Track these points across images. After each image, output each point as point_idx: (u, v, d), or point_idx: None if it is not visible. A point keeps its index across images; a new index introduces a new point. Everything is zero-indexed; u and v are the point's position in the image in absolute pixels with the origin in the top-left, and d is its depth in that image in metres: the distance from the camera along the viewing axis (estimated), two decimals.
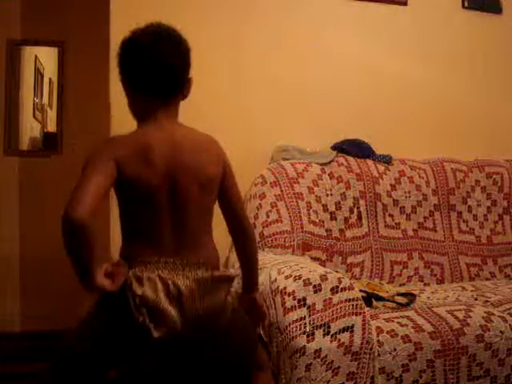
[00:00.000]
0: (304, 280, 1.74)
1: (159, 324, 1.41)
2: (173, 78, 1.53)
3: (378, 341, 1.79)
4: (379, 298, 2.11)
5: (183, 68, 1.55)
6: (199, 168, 1.52)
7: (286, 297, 1.73)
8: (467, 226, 2.77)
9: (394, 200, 2.64)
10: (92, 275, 1.37)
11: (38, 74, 3.48)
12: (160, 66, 1.49)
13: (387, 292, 2.21)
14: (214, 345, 1.50)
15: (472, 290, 2.38)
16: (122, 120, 2.49)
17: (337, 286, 1.75)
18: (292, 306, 1.71)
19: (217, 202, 1.63)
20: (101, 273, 1.40)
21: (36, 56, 3.46)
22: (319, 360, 1.68)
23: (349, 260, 2.48)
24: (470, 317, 1.93)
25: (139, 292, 1.40)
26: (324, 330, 1.70)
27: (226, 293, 1.53)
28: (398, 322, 1.87)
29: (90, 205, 1.34)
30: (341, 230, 2.50)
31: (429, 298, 2.26)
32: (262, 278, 1.88)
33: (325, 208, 2.49)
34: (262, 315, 1.73)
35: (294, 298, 1.72)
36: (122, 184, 1.46)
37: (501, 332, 1.90)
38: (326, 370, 1.68)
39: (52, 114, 3.48)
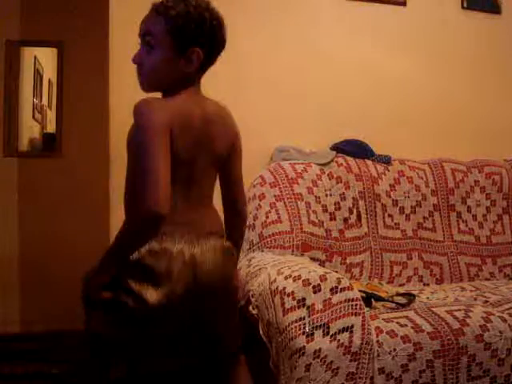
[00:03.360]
0: (303, 280, 1.74)
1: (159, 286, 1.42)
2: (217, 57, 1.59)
3: (378, 341, 1.79)
4: (379, 299, 2.11)
5: None
6: (215, 143, 1.56)
7: (285, 297, 1.73)
8: (466, 226, 2.77)
9: (393, 200, 2.64)
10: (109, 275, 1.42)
11: (38, 75, 3.48)
12: (225, 38, 1.57)
13: (387, 292, 2.21)
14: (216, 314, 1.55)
15: (471, 290, 2.38)
16: (122, 120, 2.49)
17: (336, 287, 1.75)
18: (291, 307, 1.71)
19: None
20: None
21: (35, 57, 3.46)
22: (319, 360, 1.68)
23: (348, 260, 2.48)
24: (469, 317, 1.93)
25: (149, 262, 1.41)
26: (323, 331, 1.70)
27: (234, 263, 1.63)
28: (397, 323, 1.87)
29: (168, 194, 1.33)
30: (340, 231, 2.50)
31: (428, 298, 2.26)
32: (261, 279, 1.88)
33: (324, 208, 2.49)
34: (242, 289, 1.80)
35: (294, 299, 1.72)
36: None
37: (500, 332, 1.90)
38: (326, 371, 1.68)
39: (51, 115, 3.47)
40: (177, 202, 1.46)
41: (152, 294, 1.42)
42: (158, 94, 1.58)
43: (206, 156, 1.54)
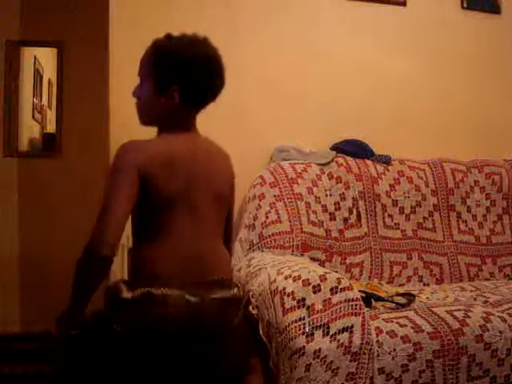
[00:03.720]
0: (303, 280, 1.74)
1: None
2: (218, 91, 1.59)
3: (378, 341, 1.79)
4: (378, 299, 2.11)
5: (224, 82, 1.61)
6: (212, 181, 1.56)
7: (285, 297, 1.73)
8: (466, 226, 2.77)
9: (393, 200, 2.64)
10: (79, 314, 1.42)
11: (38, 75, 3.47)
12: (210, 85, 1.55)
13: (386, 292, 2.21)
14: (216, 346, 1.52)
15: (471, 290, 2.38)
16: (121, 121, 2.50)
17: (336, 287, 1.75)
18: (291, 307, 1.71)
19: None
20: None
21: (35, 57, 3.46)
22: (318, 360, 1.68)
23: (348, 260, 2.48)
24: (469, 317, 1.93)
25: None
26: (323, 331, 1.70)
27: (239, 312, 1.60)
28: (397, 323, 1.87)
29: (118, 236, 1.34)
30: (340, 231, 2.50)
31: (428, 298, 2.26)
32: (261, 279, 1.88)
33: (324, 208, 2.49)
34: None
35: (294, 299, 1.72)
36: (143, 189, 1.45)
37: (500, 332, 1.90)
38: (326, 371, 1.68)
39: (51, 115, 3.47)
40: (176, 239, 1.49)
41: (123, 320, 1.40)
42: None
43: (205, 193, 1.55)
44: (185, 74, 1.52)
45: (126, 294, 1.40)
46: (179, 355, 1.45)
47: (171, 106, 1.55)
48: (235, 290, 1.58)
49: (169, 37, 1.56)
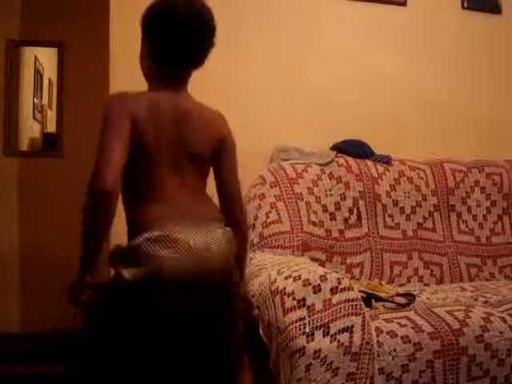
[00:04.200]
0: (303, 280, 1.74)
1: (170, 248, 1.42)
2: (195, 55, 1.57)
3: (378, 341, 1.79)
4: (379, 299, 2.11)
5: (208, 46, 1.59)
6: (191, 137, 1.56)
7: (285, 297, 1.73)
8: (467, 226, 2.77)
9: (393, 200, 2.64)
10: (95, 262, 1.46)
11: (38, 75, 3.47)
12: (187, 42, 1.53)
13: (387, 292, 2.21)
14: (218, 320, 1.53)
15: (471, 291, 2.38)
16: None
17: (336, 287, 1.75)
18: (291, 307, 1.71)
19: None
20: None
21: (36, 56, 3.46)
22: (319, 360, 1.68)
23: (348, 260, 2.48)
24: (469, 317, 1.93)
25: (149, 251, 1.42)
26: (324, 331, 1.70)
27: (232, 250, 1.58)
28: (397, 323, 1.87)
29: (115, 176, 1.35)
30: (340, 231, 2.50)
31: (428, 298, 2.26)
32: (262, 279, 1.88)
33: (324, 208, 2.49)
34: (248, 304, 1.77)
35: (294, 299, 1.72)
36: (132, 140, 1.46)
37: (500, 332, 1.90)
38: (326, 371, 1.68)
39: (52, 115, 3.47)
40: (167, 187, 1.51)
41: (133, 272, 1.42)
42: None
43: (186, 148, 1.55)
44: (156, 34, 1.54)
45: (130, 243, 1.43)
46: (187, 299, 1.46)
47: (151, 66, 1.59)
48: (228, 228, 1.58)
49: None
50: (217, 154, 1.64)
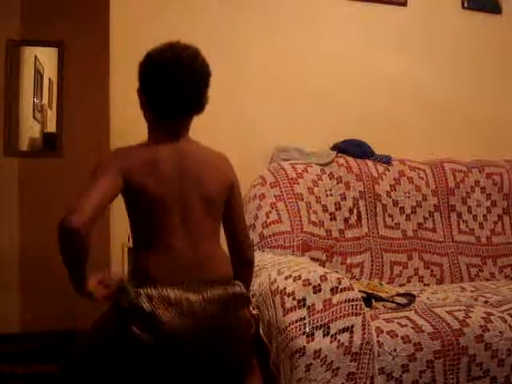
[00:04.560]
0: (304, 280, 1.74)
1: (154, 331, 1.43)
2: (190, 106, 1.57)
3: (378, 341, 1.78)
4: (379, 299, 2.11)
5: (202, 95, 1.58)
6: (202, 185, 1.56)
7: (285, 297, 1.73)
8: (467, 226, 2.77)
9: (393, 200, 2.64)
10: (84, 282, 1.44)
11: (38, 75, 3.47)
12: (178, 95, 1.52)
13: (387, 292, 2.21)
14: (218, 346, 1.52)
15: (472, 291, 2.38)
16: (121, 120, 2.50)
17: (336, 287, 1.75)
18: (292, 307, 1.71)
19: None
20: (93, 281, 1.47)
21: (36, 56, 3.46)
22: (319, 360, 1.68)
23: (348, 260, 2.48)
24: (469, 317, 1.93)
25: (147, 308, 1.42)
26: (324, 331, 1.70)
27: (242, 310, 1.58)
28: (397, 323, 1.87)
29: (88, 215, 1.35)
30: (340, 231, 2.50)
31: (428, 298, 2.26)
32: (262, 279, 1.88)
33: (324, 208, 2.49)
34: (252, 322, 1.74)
35: (294, 299, 1.72)
36: (131, 194, 1.49)
37: (500, 332, 1.90)
38: (326, 371, 1.68)
39: (52, 115, 3.47)
40: (172, 241, 1.50)
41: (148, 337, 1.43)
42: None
43: (195, 197, 1.55)
44: (147, 86, 1.55)
45: (144, 304, 1.43)
46: (185, 354, 1.47)
47: (146, 117, 1.60)
48: (237, 287, 1.57)
49: (158, 47, 1.56)
50: (227, 197, 1.65)
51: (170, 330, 1.43)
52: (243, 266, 1.70)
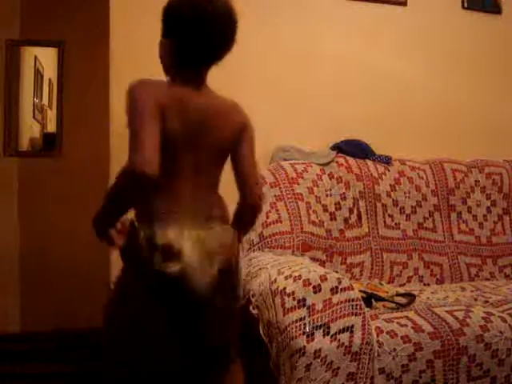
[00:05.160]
0: (304, 280, 1.74)
1: (175, 261, 1.46)
2: (219, 52, 1.59)
3: (378, 341, 1.79)
4: (379, 299, 2.11)
5: (232, 43, 1.62)
6: (217, 133, 1.58)
7: (285, 297, 1.73)
8: (467, 226, 2.77)
9: (393, 200, 2.64)
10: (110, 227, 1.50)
11: (38, 75, 3.47)
12: (213, 40, 1.54)
13: (387, 292, 2.21)
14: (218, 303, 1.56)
15: (472, 291, 2.38)
16: (121, 120, 2.50)
17: (336, 287, 1.75)
18: (292, 307, 1.71)
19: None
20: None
21: (36, 56, 3.46)
22: (319, 360, 1.68)
23: (348, 260, 2.48)
24: (469, 317, 1.93)
25: (161, 241, 1.45)
26: (324, 331, 1.70)
27: (236, 245, 1.64)
28: (397, 323, 1.87)
29: (155, 157, 1.35)
30: (340, 231, 2.50)
31: (428, 298, 2.26)
32: (262, 279, 1.88)
33: (324, 208, 2.49)
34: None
35: (294, 299, 1.72)
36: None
37: (500, 332, 1.90)
38: (326, 371, 1.68)
39: (52, 115, 3.47)
40: (182, 188, 1.53)
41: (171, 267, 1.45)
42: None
43: (207, 144, 1.57)
44: (181, 32, 1.53)
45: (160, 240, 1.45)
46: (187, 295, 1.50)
47: (172, 63, 1.58)
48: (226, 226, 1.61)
49: None
50: (236, 142, 1.65)
51: (189, 261, 1.46)
52: (247, 210, 1.69)
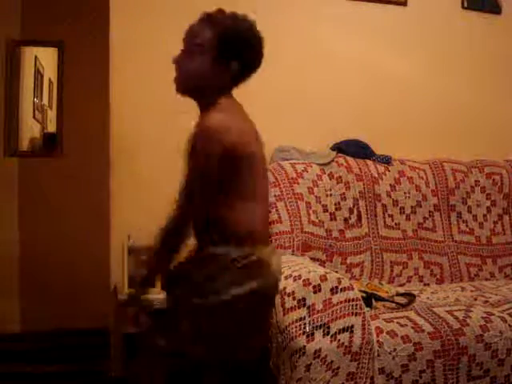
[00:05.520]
0: (304, 280, 1.74)
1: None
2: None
3: (378, 341, 1.79)
4: (379, 299, 2.11)
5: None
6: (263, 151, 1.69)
7: (285, 297, 1.73)
8: (467, 226, 2.77)
9: (393, 200, 2.64)
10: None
11: (38, 75, 3.47)
12: (261, 59, 1.74)
13: (387, 292, 2.21)
14: None
15: (472, 291, 2.38)
16: (121, 120, 2.50)
17: (336, 287, 1.75)
18: (292, 307, 1.71)
19: None
20: None
21: (36, 56, 3.46)
22: (319, 360, 1.68)
23: (348, 260, 2.48)
24: (469, 317, 1.93)
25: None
26: (324, 331, 1.70)
27: None
28: (397, 323, 1.87)
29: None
30: (340, 231, 2.50)
31: (428, 298, 2.26)
32: None
33: (324, 208, 2.49)
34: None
35: (294, 299, 1.72)
36: (232, 160, 1.53)
37: (500, 332, 1.90)
38: (326, 371, 1.69)
39: (52, 115, 3.47)
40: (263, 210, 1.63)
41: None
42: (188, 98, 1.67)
43: (263, 162, 1.68)
44: (248, 52, 1.68)
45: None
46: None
47: (224, 79, 1.66)
48: None
49: (231, 17, 1.68)
50: None
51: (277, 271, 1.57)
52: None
